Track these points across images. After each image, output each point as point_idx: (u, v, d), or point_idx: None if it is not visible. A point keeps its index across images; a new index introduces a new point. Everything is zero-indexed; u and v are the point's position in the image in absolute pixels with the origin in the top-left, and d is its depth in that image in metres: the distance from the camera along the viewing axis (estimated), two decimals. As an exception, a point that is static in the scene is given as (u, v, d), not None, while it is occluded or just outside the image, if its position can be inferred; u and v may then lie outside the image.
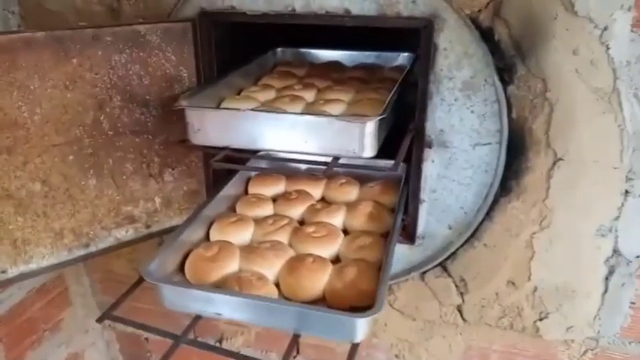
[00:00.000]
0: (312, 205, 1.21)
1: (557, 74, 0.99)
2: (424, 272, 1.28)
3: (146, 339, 1.74)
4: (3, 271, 1.07)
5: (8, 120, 1.00)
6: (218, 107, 1.17)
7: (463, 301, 1.28)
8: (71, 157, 1.09)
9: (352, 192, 1.27)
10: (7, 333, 1.42)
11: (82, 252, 1.17)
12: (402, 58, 1.53)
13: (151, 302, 1.46)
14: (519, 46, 1.00)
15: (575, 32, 0.95)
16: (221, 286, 0.95)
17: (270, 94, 1.28)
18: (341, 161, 1.03)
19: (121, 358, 1.82)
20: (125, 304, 0.98)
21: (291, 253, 1.04)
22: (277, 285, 0.98)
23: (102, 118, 1.10)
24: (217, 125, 1.04)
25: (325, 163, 1.02)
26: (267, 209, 1.21)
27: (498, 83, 1.04)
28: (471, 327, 1.32)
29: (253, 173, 1.34)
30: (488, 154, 1.10)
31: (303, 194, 1.25)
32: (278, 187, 1.31)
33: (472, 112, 1.08)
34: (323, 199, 1.29)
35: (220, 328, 1.59)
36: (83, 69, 1.05)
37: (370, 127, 0.96)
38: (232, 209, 1.22)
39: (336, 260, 1.05)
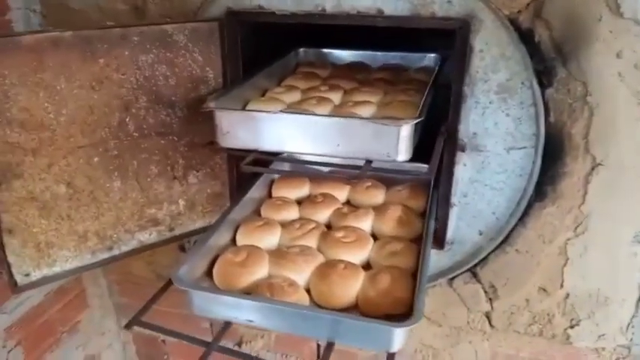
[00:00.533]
0: (339, 208, 1.19)
1: (598, 78, 0.96)
2: (452, 278, 1.25)
3: (163, 341, 1.72)
4: (26, 275, 1.05)
5: (34, 121, 0.98)
6: (244, 109, 1.14)
7: (492, 307, 1.26)
8: (96, 159, 1.07)
9: (379, 195, 1.24)
10: (26, 336, 1.41)
11: (105, 255, 1.15)
12: (428, 59, 1.50)
13: (170, 305, 1.44)
14: (560, 49, 0.97)
15: (620, 34, 0.92)
16: (251, 292, 0.93)
17: (296, 96, 1.25)
18: (373, 165, 1.00)
19: (137, 359, 1.81)
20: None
21: (320, 258, 1.01)
22: (307, 291, 0.95)
23: (127, 119, 1.08)
24: (247, 128, 1.01)
25: (353, 166, 1.00)
26: (293, 213, 1.19)
27: (536, 86, 1.01)
28: (498, 333, 1.30)
29: (277, 175, 1.31)
30: (523, 158, 1.08)
31: (328, 197, 1.22)
32: (302, 189, 1.28)
33: (507, 115, 1.05)
34: (348, 203, 1.26)
35: (240, 332, 1.57)
36: (110, 69, 1.03)
37: (406, 130, 0.94)
38: (257, 212, 1.20)
39: (366, 266, 1.02)
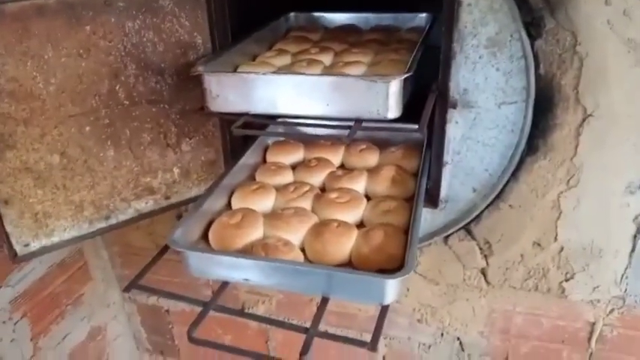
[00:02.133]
0: (333, 171, 1.20)
1: (587, 26, 0.95)
2: (447, 236, 1.27)
3: (167, 311, 1.75)
4: (26, 245, 1.07)
5: (24, 91, 0.98)
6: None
7: (487, 263, 1.27)
8: (88, 128, 1.08)
9: (373, 157, 1.25)
10: (31, 308, 1.43)
11: (102, 224, 1.16)
12: (419, 19, 1.48)
13: (170, 274, 1.48)
14: (548, -2, 0.96)
15: (608, -20, 0.91)
16: (247, 252, 0.94)
17: (286, 59, 1.24)
18: (364, 125, 1.00)
19: (142, 330, 1.83)
20: (146, 276, 0.97)
21: (315, 219, 1.02)
22: (303, 250, 0.97)
23: (117, 87, 1.08)
24: (236, 90, 1.01)
25: (345, 127, 1.00)
26: (288, 177, 1.19)
27: (525, 38, 1.00)
28: (494, 290, 1.31)
29: (271, 141, 1.32)
30: (514, 112, 1.07)
31: (322, 161, 1.23)
32: (297, 154, 1.29)
33: (497, 69, 1.05)
34: (343, 166, 1.27)
35: (241, 298, 1.59)
36: (97, 37, 1.03)
37: (395, 85, 0.93)
38: (252, 178, 1.21)
39: (360, 225, 1.03)
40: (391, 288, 0.80)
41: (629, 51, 0.95)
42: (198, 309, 0.87)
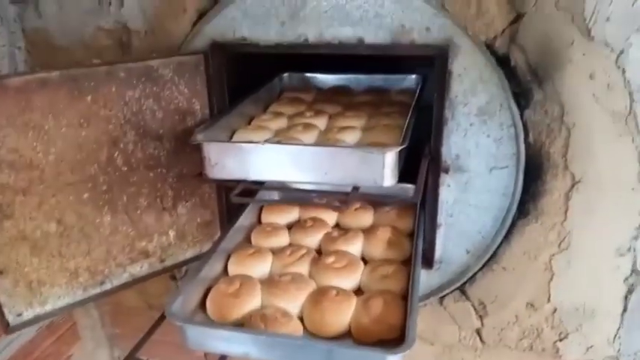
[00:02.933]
0: (329, 232, 1.20)
1: (574, 98, 1.00)
2: (443, 297, 1.27)
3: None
4: (19, 314, 1.05)
5: (23, 161, 0.98)
6: (231, 139, 1.16)
7: (482, 324, 1.28)
8: (86, 195, 1.08)
9: (367, 217, 1.26)
10: (18, 373, 1.40)
11: (97, 290, 1.15)
12: (409, 80, 1.53)
13: (163, 334, 1.45)
14: (536, 72, 1.00)
15: (592, 57, 0.96)
16: (245, 323, 0.94)
17: (282, 122, 1.27)
18: (360, 190, 1.02)
19: (131, 390, 1.79)
20: (137, 335, 0.96)
21: (312, 285, 1.03)
22: (301, 319, 0.96)
23: (116, 154, 1.09)
24: (235, 159, 1.03)
25: (341, 193, 1.02)
26: (283, 238, 1.20)
27: (515, 108, 1.04)
28: (490, 349, 1.32)
29: (266, 202, 1.33)
30: (505, 177, 1.11)
31: (318, 222, 1.24)
32: (292, 214, 1.30)
33: (488, 136, 1.08)
34: (338, 225, 1.28)
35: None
36: (97, 106, 1.04)
37: (391, 157, 0.96)
38: (248, 239, 1.21)
39: (358, 291, 1.04)
40: (392, 362, 0.81)
41: (613, 122, 0.99)
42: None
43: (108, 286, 1.16)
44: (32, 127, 0.98)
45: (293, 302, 0.98)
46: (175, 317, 0.88)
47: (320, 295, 0.98)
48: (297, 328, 0.93)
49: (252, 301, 0.98)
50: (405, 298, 0.97)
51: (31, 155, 0.99)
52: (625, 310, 1.17)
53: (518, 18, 0.99)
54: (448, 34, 1.03)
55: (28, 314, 1.06)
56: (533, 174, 1.09)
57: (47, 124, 0.99)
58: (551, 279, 1.17)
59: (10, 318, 1.04)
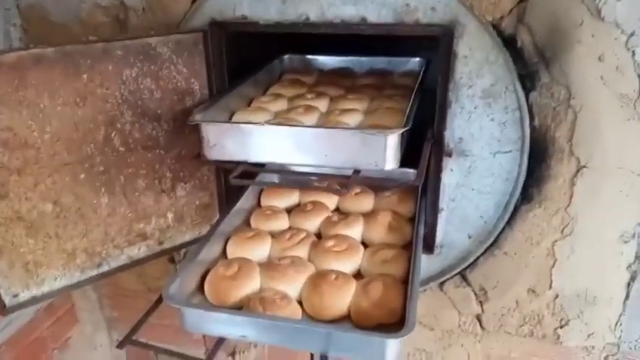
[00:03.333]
0: (329, 216, 1.19)
1: (581, 81, 0.97)
2: (443, 282, 1.26)
3: (156, 355, 1.71)
4: (15, 296, 1.04)
5: (18, 140, 0.96)
6: (230, 120, 1.14)
7: (482, 310, 1.27)
8: (82, 176, 1.06)
9: (368, 202, 1.25)
10: (18, 355, 1.39)
11: (94, 272, 1.14)
12: (412, 63, 1.51)
13: (161, 317, 1.44)
14: (543, 53, 0.98)
15: (601, 38, 0.93)
16: (243, 305, 0.93)
17: (282, 104, 1.25)
18: (361, 174, 1.00)
19: (130, 373, 1.79)
20: (135, 318, 0.95)
21: (312, 268, 1.01)
22: (300, 303, 0.95)
23: (113, 134, 1.07)
24: (234, 140, 1.01)
25: (342, 176, 1.00)
26: (283, 222, 1.19)
27: (520, 90, 1.02)
28: (490, 335, 1.31)
29: (265, 184, 1.31)
30: (508, 161, 1.09)
31: (318, 205, 1.22)
32: (292, 197, 1.28)
33: (492, 119, 1.06)
34: (338, 210, 1.26)
35: (233, 342, 1.56)
36: (94, 84, 1.02)
37: (393, 139, 0.94)
38: (247, 222, 1.20)
39: (357, 275, 1.03)
40: (392, 347, 0.80)
41: (621, 105, 0.97)
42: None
43: (105, 268, 1.15)
44: (27, 105, 0.96)
45: (292, 285, 0.97)
46: (173, 300, 0.87)
47: (319, 278, 0.97)
48: (296, 311, 0.92)
49: (251, 284, 0.97)
50: (405, 282, 0.96)
51: (26, 134, 0.97)
52: (627, 297, 1.16)
53: (526, -3, 0.96)
54: (454, 14, 1.01)
55: (24, 295, 1.05)
56: (538, 158, 1.07)
57: (42, 102, 0.97)
58: (554, 265, 1.15)
59: (7, 299, 1.03)
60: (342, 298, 0.93)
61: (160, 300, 0.96)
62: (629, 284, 1.14)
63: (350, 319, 0.92)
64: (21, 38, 1.30)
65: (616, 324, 1.19)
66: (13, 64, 0.93)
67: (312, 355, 1.44)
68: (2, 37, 1.28)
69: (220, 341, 0.90)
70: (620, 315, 1.18)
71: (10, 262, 1.01)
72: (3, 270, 1.01)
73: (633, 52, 0.93)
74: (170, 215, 1.22)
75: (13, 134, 0.96)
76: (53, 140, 1.00)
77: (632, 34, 0.91)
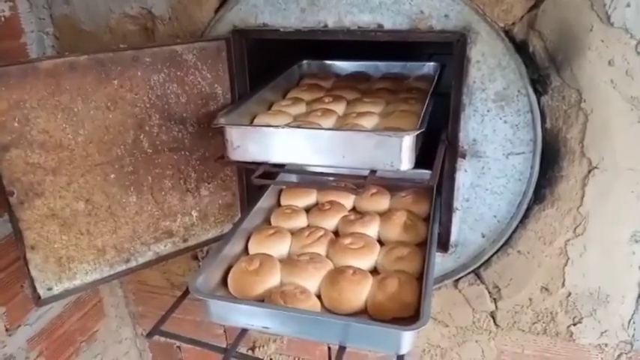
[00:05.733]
0: (346, 215, 1.23)
1: (592, 85, 1.00)
2: (457, 280, 1.30)
3: (178, 347, 1.76)
4: (49, 289, 1.10)
5: (53, 142, 1.03)
6: (252, 123, 1.19)
7: (496, 307, 1.30)
8: (112, 176, 1.12)
9: (384, 202, 1.28)
10: (47, 346, 1.46)
11: (123, 267, 1.19)
12: (427, 67, 1.54)
13: (183, 312, 1.50)
14: (554, 58, 1.01)
15: (611, 43, 0.96)
16: (265, 299, 0.97)
17: (301, 108, 1.30)
18: (377, 174, 1.04)
19: (153, 366, 1.85)
20: (159, 313, 1.00)
21: (330, 265, 1.06)
22: (319, 297, 1.00)
23: (142, 136, 1.13)
24: (256, 142, 1.06)
25: (358, 176, 1.04)
26: (302, 220, 1.23)
27: (532, 94, 1.05)
28: (503, 332, 1.34)
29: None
30: (521, 163, 1.12)
31: (335, 205, 1.26)
32: (310, 197, 1.33)
33: (505, 122, 1.10)
34: (354, 209, 1.30)
35: (253, 336, 1.61)
36: (124, 90, 1.08)
37: (408, 141, 0.98)
38: (267, 221, 1.25)
39: (374, 271, 1.07)
40: (407, 338, 0.83)
41: (631, 108, 1.00)
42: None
43: (133, 264, 1.21)
44: (62, 109, 1.02)
45: (311, 280, 1.01)
46: (199, 292, 0.92)
47: (337, 274, 1.01)
48: (315, 304, 0.96)
49: (272, 279, 1.02)
50: (420, 279, 0.99)
51: (61, 136, 1.03)
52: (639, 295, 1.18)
53: (537, 4, 0.99)
54: (466, 21, 1.04)
55: (57, 288, 1.11)
56: (550, 160, 1.10)
57: (76, 107, 1.03)
58: (566, 264, 1.18)
59: (41, 291, 1.09)
60: (359, 293, 0.97)
61: (185, 294, 1.01)
62: (641, 283, 1.17)
63: (366, 313, 0.96)
64: (53, 46, 1.37)
65: (629, 322, 1.21)
66: (50, 70, 0.99)
67: (329, 349, 1.49)
68: (36, 44, 1.35)
69: (243, 332, 0.94)
70: (633, 313, 1.20)
71: (44, 256, 1.07)
72: (38, 264, 1.07)
73: (642, 56, 0.95)
74: (194, 214, 1.27)
75: (49, 136, 1.02)
76: (86, 142, 1.07)
77: (641, 39, 0.94)
